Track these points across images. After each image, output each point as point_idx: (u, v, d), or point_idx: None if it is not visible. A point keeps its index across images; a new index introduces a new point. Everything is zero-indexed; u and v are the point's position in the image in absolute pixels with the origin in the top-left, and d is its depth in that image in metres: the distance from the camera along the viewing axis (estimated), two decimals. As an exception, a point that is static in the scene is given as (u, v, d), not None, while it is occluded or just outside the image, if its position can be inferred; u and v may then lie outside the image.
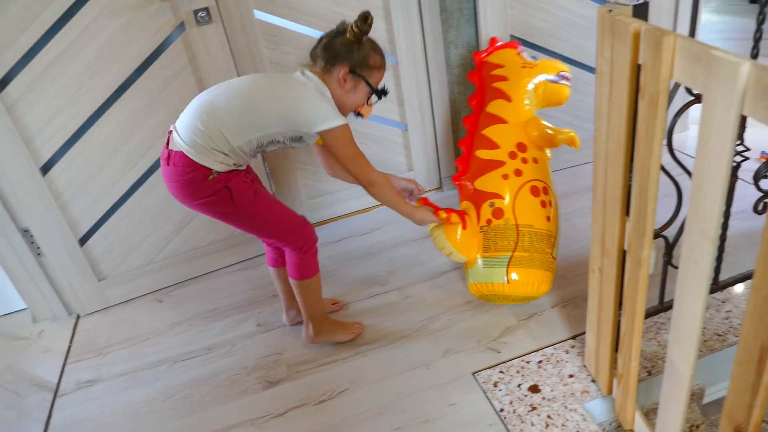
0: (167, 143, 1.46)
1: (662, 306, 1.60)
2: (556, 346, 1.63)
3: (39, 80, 1.78)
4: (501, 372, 1.58)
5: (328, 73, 1.47)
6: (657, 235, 1.29)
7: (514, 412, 1.45)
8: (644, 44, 0.93)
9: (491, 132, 1.84)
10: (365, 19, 1.42)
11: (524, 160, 1.76)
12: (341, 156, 1.49)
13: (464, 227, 1.70)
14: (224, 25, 1.91)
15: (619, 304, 1.27)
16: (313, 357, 1.75)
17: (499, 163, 1.76)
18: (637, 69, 0.98)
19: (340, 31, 1.47)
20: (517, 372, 1.57)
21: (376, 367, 1.67)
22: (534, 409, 1.45)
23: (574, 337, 1.65)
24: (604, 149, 1.14)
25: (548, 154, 1.87)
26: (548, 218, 1.73)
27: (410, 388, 1.58)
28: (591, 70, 2.37)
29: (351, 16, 2.06)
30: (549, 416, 1.42)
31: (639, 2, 1.00)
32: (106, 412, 1.70)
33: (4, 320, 2.21)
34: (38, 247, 2.00)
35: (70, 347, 2.01)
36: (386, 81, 2.26)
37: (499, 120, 1.85)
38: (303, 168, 2.29)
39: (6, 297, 2.17)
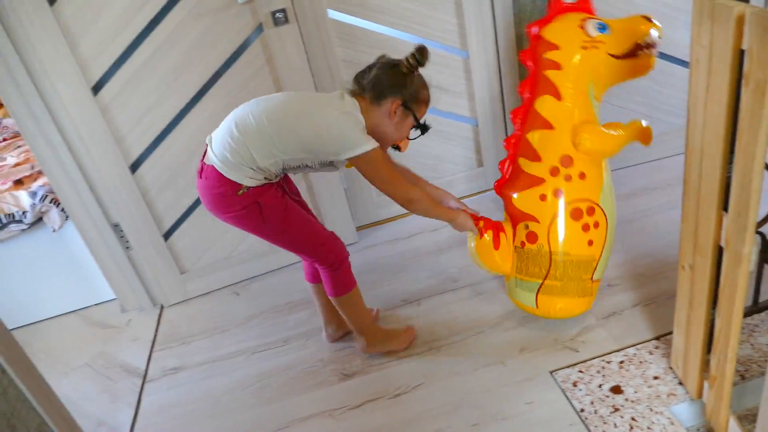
0: (203, 156, 1.48)
1: (756, 306, 1.51)
2: (638, 346, 1.57)
3: (130, 83, 1.88)
4: (580, 371, 1.54)
5: (376, 104, 1.44)
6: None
7: (595, 413, 1.41)
8: (750, 28, 0.88)
9: (535, 138, 1.57)
10: (422, 51, 1.40)
11: (567, 177, 1.53)
12: (373, 179, 1.47)
13: (496, 247, 1.63)
14: (299, 26, 1.96)
15: (713, 302, 1.21)
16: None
17: (539, 180, 1.55)
18: (739, 56, 0.93)
19: (393, 64, 1.44)
20: (598, 372, 1.52)
21: (450, 363, 1.67)
22: (617, 410, 1.41)
23: (658, 338, 1.58)
24: (700, 141, 1.09)
25: (604, 165, 1.58)
26: (590, 242, 1.56)
27: (485, 385, 1.57)
28: (672, 59, 2.26)
29: (423, 13, 2.09)
30: (633, 418, 1.38)
31: (742, -16, 0.94)
32: (190, 398, 1.79)
33: (96, 309, 2.36)
34: (127, 241, 2.12)
35: (155, 336, 2.12)
36: (456, 76, 2.25)
37: (545, 124, 1.55)
38: (373, 164, 2.32)
39: (97, 288, 2.32)
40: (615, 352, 1.57)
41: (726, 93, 0.98)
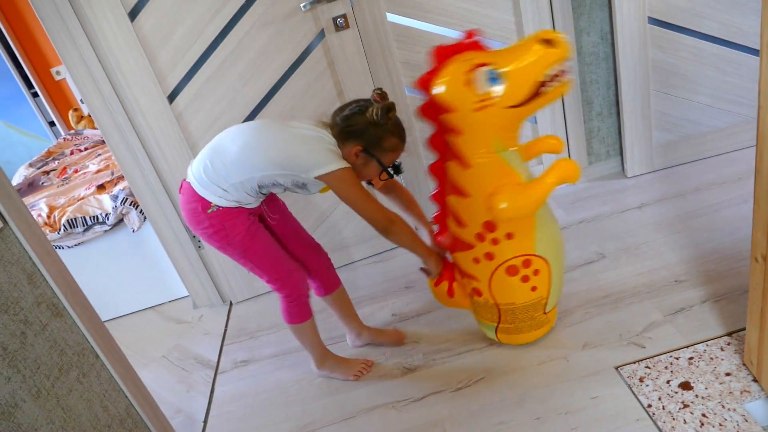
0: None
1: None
2: (708, 342, 1.53)
3: (201, 91, 2.00)
4: (647, 367, 1.51)
5: (342, 143, 1.47)
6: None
7: (663, 409, 1.39)
8: (823, 10, 0.86)
9: (456, 204, 1.48)
10: (387, 111, 1.42)
11: (494, 241, 1.45)
12: (346, 198, 1.48)
13: (450, 295, 1.67)
14: (359, 30, 2.02)
15: (789, 295, 1.17)
16: (450, 346, 1.79)
17: (468, 246, 1.50)
18: (812, 38, 0.91)
19: (363, 109, 1.45)
20: (666, 368, 1.50)
21: (512, 358, 1.68)
22: (686, 406, 1.38)
23: (730, 334, 1.54)
24: (771, 127, 1.07)
25: (533, 215, 1.44)
26: (533, 288, 1.53)
27: (548, 380, 1.57)
28: (741, 48, 2.18)
29: (480, 12, 2.11)
30: (704, 414, 1.35)
31: (814, -35, 0.92)
32: (260, 389, 1.87)
33: (170, 306, 2.51)
34: (199, 241, 2.24)
35: (226, 330, 2.23)
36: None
37: (460, 191, 1.44)
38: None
39: (171, 285, 2.46)
40: (683, 348, 1.54)
41: (798, 77, 0.96)
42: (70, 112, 3.78)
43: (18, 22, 3.73)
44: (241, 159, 1.46)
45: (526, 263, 1.48)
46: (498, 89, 1.27)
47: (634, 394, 1.45)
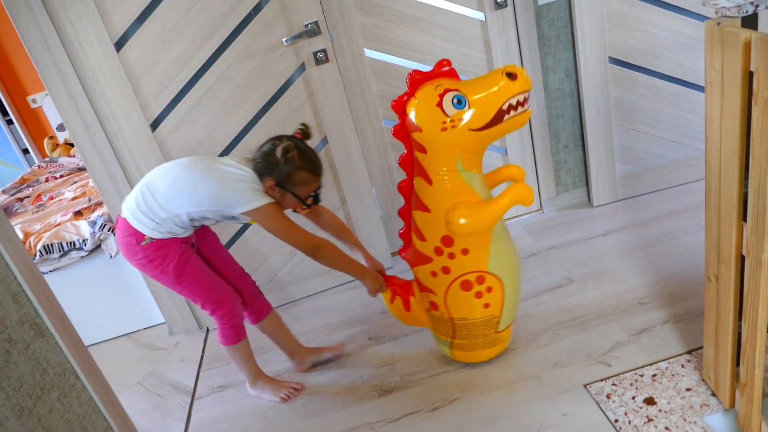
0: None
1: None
2: (670, 360, 1.62)
3: (184, 120, 2.06)
4: (614, 384, 1.58)
5: (260, 178, 1.58)
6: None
7: (629, 423, 1.46)
8: (756, 52, 0.98)
9: (418, 219, 1.59)
10: (286, 152, 1.54)
11: (451, 255, 1.55)
12: (273, 231, 1.60)
13: (407, 309, 1.76)
14: (338, 64, 2.12)
15: (739, 311, 1.26)
16: (425, 368, 1.84)
17: (427, 259, 1.60)
18: (748, 77, 1.03)
19: (274, 146, 1.56)
20: (631, 385, 1.57)
21: (486, 378, 1.73)
22: (650, 420, 1.45)
23: (689, 352, 1.62)
24: (717, 157, 1.17)
25: (489, 232, 1.54)
26: (486, 305, 1.61)
27: (521, 398, 1.63)
28: (695, 87, 2.35)
29: (453, 50, 2.24)
30: (667, 428, 1.42)
31: (748, 14, 1.04)
32: (237, 413, 1.88)
33: (146, 333, 2.49)
34: (177, 266, 2.26)
35: (202, 356, 2.23)
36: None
37: (423, 206, 1.55)
38: (407, 192, 2.43)
39: (148, 312, 2.46)
40: (647, 366, 1.62)
41: (739, 111, 1.07)
42: (46, 139, 3.77)
43: (-5, 51, 3.75)
44: (170, 196, 1.58)
45: (480, 279, 1.58)
46: (463, 113, 1.40)
47: (602, 410, 1.52)
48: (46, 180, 3.34)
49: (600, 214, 2.47)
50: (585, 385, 1.61)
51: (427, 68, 2.22)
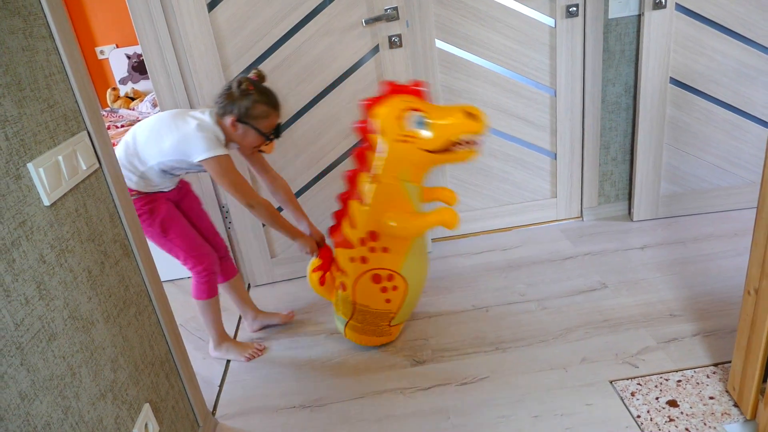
0: None
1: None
2: (696, 369, 1.69)
3: (259, 83, 2.17)
4: (639, 384, 1.66)
5: (222, 119, 1.71)
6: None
7: (651, 420, 1.53)
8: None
9: (355, 208, 1.73)
10: (240, 85, 1.68)
11: (372, 249, 1.74)
12: (223, 183, 1.71)
13: (321, 283, 1.90)
14: (410, 51, 2.21)
15: (774, 325, 1.33)
16: (457, 345, 1.93)
17: (351, 245, 1.77)
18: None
19: (230, 85, 1.70)
20: (656, 386, 1.64)
21: (515, 363, 1.82)
22: (671, 420, 1.52)
23: (716, 365, 1.69)
24: (775, 175, 1.24)
25: (415, 240, 1.76)
26: (388, 300, 1.82)
27: (548, 385, 1.71)
28: (749, 116, 2.39)
29: (520, 51, 2.32)
30: (687, 429, 1.49)
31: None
32: (274, 363, 1.99)
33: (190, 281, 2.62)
34: (230, 222, 2.38)
35: (243, 309, 2.35)
36: (542, 111, 2.45)
37: (362, 199, 1.71)
38: (458, 184, 2.52)
39: (194, 262, 2.58)
40: (673, 372, 1.69)
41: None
42: (108, 90, 3.94)
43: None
44: (145, 149, 1.70)
45: (390, 277, 1.78)
46: (421, 133, 1.58)
47: (625, 405, 1.60)
48: (108, 128, 3.50)
49: (639, 228, 2.53)
50: (611, 381, 1.69)
51: (493, 67, 2.34)
